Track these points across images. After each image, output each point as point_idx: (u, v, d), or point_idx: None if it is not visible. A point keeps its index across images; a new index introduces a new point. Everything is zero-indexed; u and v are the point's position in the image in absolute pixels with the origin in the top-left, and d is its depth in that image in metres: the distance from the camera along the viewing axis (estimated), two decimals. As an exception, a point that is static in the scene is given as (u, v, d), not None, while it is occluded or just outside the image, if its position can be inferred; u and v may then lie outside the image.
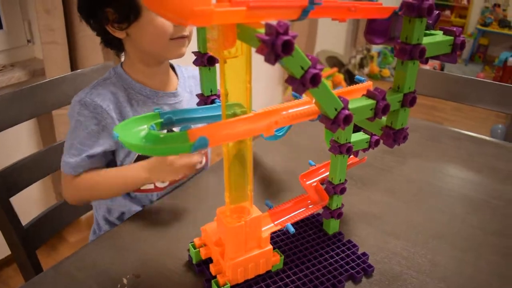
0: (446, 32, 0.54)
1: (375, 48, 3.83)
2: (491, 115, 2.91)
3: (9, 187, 0.88)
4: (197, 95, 0.59)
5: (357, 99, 0.51)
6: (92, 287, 0.61)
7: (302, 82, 0.41)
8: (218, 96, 0.58)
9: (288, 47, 0.37)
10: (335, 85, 2.99)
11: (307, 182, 0.70)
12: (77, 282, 0.63)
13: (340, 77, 2.97)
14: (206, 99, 0.57)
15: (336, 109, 0.47)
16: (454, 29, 0.54)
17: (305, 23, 2.79)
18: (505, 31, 3.93)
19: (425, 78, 1.23)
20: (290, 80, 0.41)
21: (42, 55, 1.43)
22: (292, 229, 0.60)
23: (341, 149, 0.60)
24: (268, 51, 0.37)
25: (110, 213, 0.90)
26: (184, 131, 0.42)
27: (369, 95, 0.51)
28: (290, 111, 0.49)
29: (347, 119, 0.47)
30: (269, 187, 0.85)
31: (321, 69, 0.41)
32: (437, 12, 0.57)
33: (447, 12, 4.27)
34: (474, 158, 0.99)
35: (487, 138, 1.09)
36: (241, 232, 0.56)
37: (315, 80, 0.41)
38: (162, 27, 0.72)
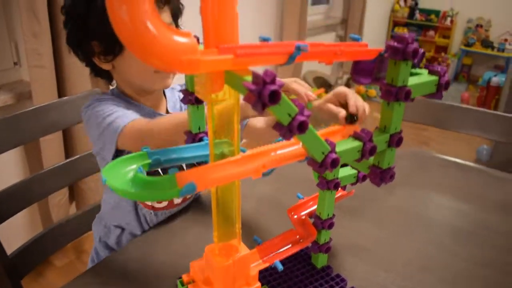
0: (431, 71, 0.55)
1: (362, 68, 3.88)
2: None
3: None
4: (185, 133, 0.58)
5: (344, 141, 0.51)
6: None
7: (290, 128, 0.41)
8: (206, 134, 0.58)
9: (275, 96, 0.37)
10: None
11: (295, 216, 0.69)
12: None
13: (328, 97, 2.99)
14: (194, 136, 0.57)
15: (323, 153, 0.47)
16: (439, 68, 0.54)
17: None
18: (488, 51, 4.02)
19: (408, 104, 1.24)
20: (277, 127, 0.41)
21: (29, 78, 1.42)
22: (280, 267, 0.59)
23: (329, 185, 0.60)
24: (255, 100, 0.37)
25: (107, 236, 0.90)
26: (172, 174, 0.42)
27: (356, 136, 0.51)
28: (278, 152, 0.49)
29: (334, 163, 0.47)
30: (257, 221, 0.84)
31: (308, 116, 0.42)
32: (422, 51, 0.58)
33: (431, 33, 4.36)
34: (461, 186, 1.01)
35: (473, 165, 1.11)
36: (229, 272, 0.55)
37: (303, 127, 0.41)
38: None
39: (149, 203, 0.85)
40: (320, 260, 0.70)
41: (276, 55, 0.42)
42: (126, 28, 0.35)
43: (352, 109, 0.66)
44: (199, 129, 0.58)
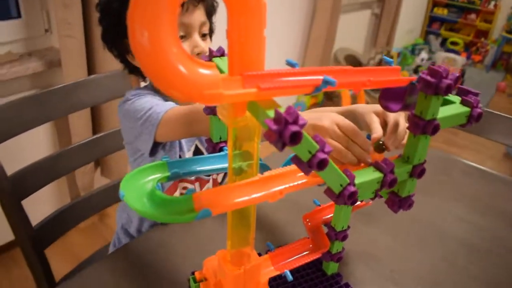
0: (463, 101, 0.53)
1: (395, 48, 3.76)
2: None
3: (21, 190, 0.90)
4: (206, 141, 0.59)
5: (364, 171, 0.51)
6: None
7: (309, 165, 0.41)
8: (227, 143, 0.58)
9: (296, 137, 0.37)
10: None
11: (310, 224, 0.70)
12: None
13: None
14: (215, 145, 0.57)
15: (341, 185, 0.46)
16: (472, 99, 0.52)
17: (326, 19, 2.74)
18: (531, 40, 3.83)
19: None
20: (296, 161, 0.41)
21: (59, 46, 1.44)
22: (290, 277, 0.60)
23: (346, 201, 0.59)
24: (276, 139, 0.37)
25: (129, 225, 0.94)
26: (189, 195, 0.43)
27: (377, 167, 0.51)
28: (297, 175, 0.49)
29: (352, 195, 0.47)
30: (272, 224, 0.85)
31: (329, 152, 0.41)
32: (457, 75, 0.56)
33: (473, 16, 4.17)
34: (482, 197, 0.98)
35: (499, 174, 1.08)
36: (241, 280, 0.57)
37: (323, 165, 0.41)
38: None
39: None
40: (331, 268, 0.71)
41: (302, 88, 0.42)
42: (147, 57, 0.34)
43: (386, 141, 0.61)
44: (220, 138, 0.58)
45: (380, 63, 3.36)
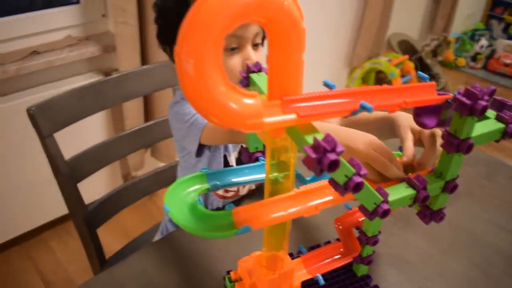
0: (498, 117, 0.52)
1: (454, 33, 3.59)
2: None
3: (78, 173, 0.97)
4: (242, 149, 0.62)
5: (396, 187, 0.52)
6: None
7: (345, 188, 0.42)
8: (263, 153, 0.60)
9: (334, 165, 0.39)
10: (404, 74, 2.87)
11: (341, 227, 0.72)
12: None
13: (410, 65, 2.83)
14: (251, 155, 0.60)
15: (375, 203, 0.48)
16: (507, 115, 0.52)
17: (380, 2, 2.65)
18: None
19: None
20: (333, 183, 0.43)
21: (114, 32, 1.50)
22: (322, 282, 0.63)
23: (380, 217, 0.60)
24: (314, 166, 0.39)
25: None
26: (229, 211, 0.46)
27: (410, 183, 0.52)
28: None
29: (386, 213, 0.48)
30: (304, 226, 0.85)
31: (364, 175, 0.43)
32: (493, 89, 0.55)
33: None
34: (527, 206, 0.95)
35: (548, 183, 1.03)
36: (275, 284, 0.60)
37: (358, 188, 0.42)
38: (231, 70, 0.75)
39: (220, 192, 0.91)
40: (361, 270, 0.73)
41: (339, 113, 0.43)
42: (192, 86, 0.36)
43: (417, 166, 0.61)
44: (256, 148, 0.60)
45: (436, 48, 3.21)
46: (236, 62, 0.76)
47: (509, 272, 0.79)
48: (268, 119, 0.40)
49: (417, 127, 0.62)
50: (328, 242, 0.76)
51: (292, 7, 0.39)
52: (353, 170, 0.42)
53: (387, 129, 0.70)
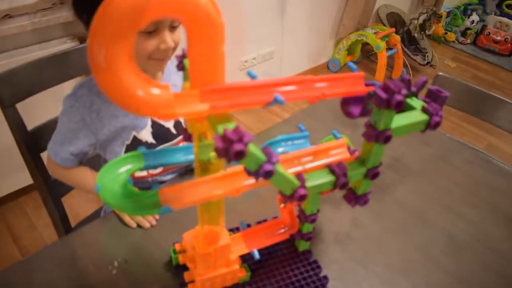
0: (423, 109, 0.54)
1: (446, 7, 3.54)
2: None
3: (40, 143, 0.99)
4: (181, 131, 0.63)
5: (318, 173, 0.54)
6: (88, 267, 0.73)
7: (256, 174, 0.45)
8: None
9: (240, 155, 0.41)
10: (391, 47, 2.85)
11: (282, 205, 0.74)
12: (77, 259, 0.74)
13: (397, 38, 2.81)
14: (189, 135, 0.62)
15: (292, 188, 0.50)
16: (432, 108, 0.53)
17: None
18: None
19: (454, 91, 1.19)
20: (246, 170, 0.45)
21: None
22: (257, 256, 0.66)
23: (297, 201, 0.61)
24: (222, 155, 0.41)
25: None
26: (155, 191, 0.49)
27: (331, 169, 0.54)
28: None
29: (303, 197, 0.51)
30: (247, 204, 0.86)
31: (276, 162, 0.45)
32: (423, 80, 0.56)
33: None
34: (478, 191, 0.97)
35: (504, 166, 1.05)
36: (210, 258, 0.63)
37: (269, 175, 0.45)
38: (142, 48, 0.76)
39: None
40: (302, 245, 0.76)
41: (254, 104, 0.45)
42: (103, 77, 0.38)
43: None
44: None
45: (423, 24, 3.19)
46: (152, 44, 0.76)
47: (448, 252, 0.82)
48: (181, 109, 0.41)
49: None
50: (275, 218, 0.79)
51: (208, 4, 0.40)
52: (264, 158, 0.44)
53: None
